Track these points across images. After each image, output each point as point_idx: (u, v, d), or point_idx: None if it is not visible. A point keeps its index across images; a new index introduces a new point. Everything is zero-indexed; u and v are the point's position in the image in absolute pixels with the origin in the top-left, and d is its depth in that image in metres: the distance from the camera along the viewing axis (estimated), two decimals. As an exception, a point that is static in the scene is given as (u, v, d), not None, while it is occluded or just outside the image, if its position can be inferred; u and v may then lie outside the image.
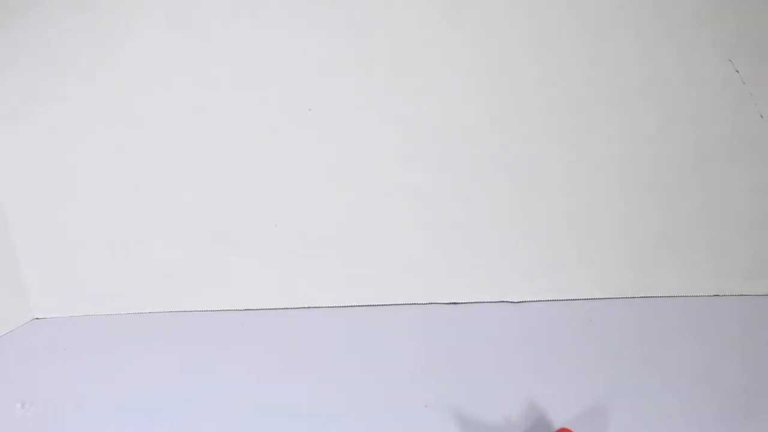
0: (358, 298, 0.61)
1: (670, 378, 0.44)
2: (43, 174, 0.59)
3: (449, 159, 0.56)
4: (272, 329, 0.57)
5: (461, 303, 0.61)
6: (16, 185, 0.60)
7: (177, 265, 0.61)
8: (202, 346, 0.55)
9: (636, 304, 0.58)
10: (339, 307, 0.62)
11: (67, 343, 0.58)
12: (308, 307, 0.62)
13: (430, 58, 0.53)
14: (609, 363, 0.46)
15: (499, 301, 0.61)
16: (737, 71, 0.51)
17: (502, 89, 0.53)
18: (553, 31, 0.51)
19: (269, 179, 0.58)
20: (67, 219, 0.61)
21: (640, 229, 0.57)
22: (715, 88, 0.52)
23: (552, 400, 0.43)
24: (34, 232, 0.61)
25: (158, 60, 0.55)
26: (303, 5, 0.52)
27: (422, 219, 0.58)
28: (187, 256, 0.61)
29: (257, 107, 0.55)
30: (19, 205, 0.60)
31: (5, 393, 0.48)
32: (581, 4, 0.50)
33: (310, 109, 0.55)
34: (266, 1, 0.52)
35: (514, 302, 0.60)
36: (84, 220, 0.61)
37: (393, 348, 0.51)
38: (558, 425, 0.39)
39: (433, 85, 0.53)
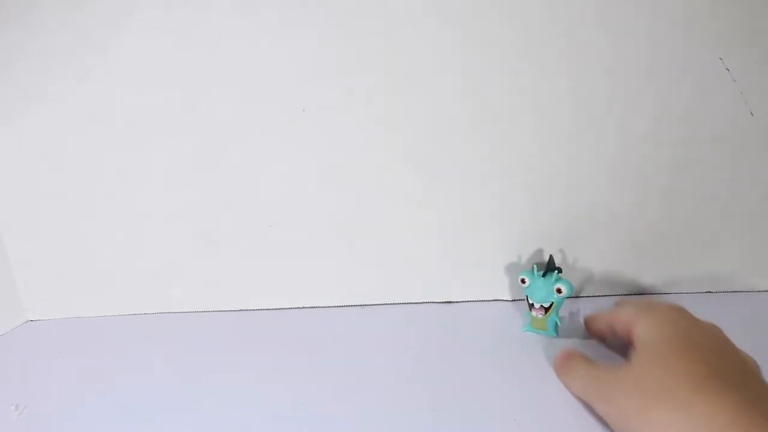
0: (351, 298, 0.61)
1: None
2: (35, 174, 0.59)
3: (442, 159, 0.56)
4: (267, 330, 0.56)
5: (456, 302, 0.61)
6: (8, 186, 0.60)
7: (171, 266, 0.61)
8: (197, 346, 0.54)
9: (629, 302, 0.58)
10: (333, 307, 0.62)
11: (61, 344, 0.57)
12: (302, 308, 0.62)
13: (423, 59, 0.53)
14: (603, 361, 0.46)
15: (494, 300, 0.61)
16: (727, 69, 0.51)
17: (494, 90, 0.53)
18: (544, 31, 0.51)
19: (263, 180, 0.57)
20: (60, 219, 0.60)
21: (633, 227, 0.57)
22: (705, 87, 0.52)
23: (548, 398, 0.42)
24: (26, 233, 0.61)
25: (150, 60, 0.54)
26: (294, 6, 0.52)
27: (416, 218, 0.58)
28: (182, 256, 0.61)
29: (250, 108, 0.55)
30: (11, 206, 0.60)
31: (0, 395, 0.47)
32: (572, 4, 0.50)
33: (303, 110, 0.55)
34: (258, 3, 0.52)
35: (508, 300, 0.61)
36: (76, 221, 0.60)
37: (387, 347, 0.51)
38: (556, 424, 0.39)
39: (426, 86, 0.53)
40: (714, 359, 0.32)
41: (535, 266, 0.51)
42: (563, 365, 0.42)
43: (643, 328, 0.36)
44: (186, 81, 0.55)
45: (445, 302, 0.61)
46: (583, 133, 0.54)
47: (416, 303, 0.61)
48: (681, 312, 0.38)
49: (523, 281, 0.51)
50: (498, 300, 0.60)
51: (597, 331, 0.46)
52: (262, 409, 0.43)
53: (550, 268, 0.52)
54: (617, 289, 0.59)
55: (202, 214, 0.59)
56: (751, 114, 0.53)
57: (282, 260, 0.60)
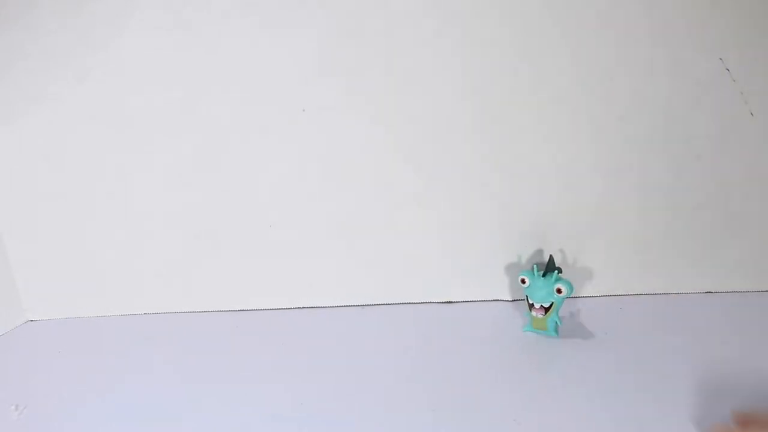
0: (351, 298, 0.61)
1: (664, 376, 0.43)
2: (35, 174, 0.58)
3: (442, 159, 0.55)
4: (266, 330, 0.56)
5: (456, 302, 0.60)
6: (8, 186, 0.59)
7: (171, 266, 0.61)
8: (197, 346, 0.54)
9: (629, 302, 0.57)
10: (333, 307, 0.61)
11: (61, 344, 0.57)
12: (302, 308, 0.62)
13: (423, 59, 0.52)
14: (603, 361, 0.46)
15: (494, 300, 0.60)
16: (728, 70, 0.51)
17: (493, 90, 0.52)
18: (544, 32, 0.50)
19: (263, 180, 0.57)
20: (60, 219, 0.60)
21: (633, 227, 0.56)
22: (706, 87, 0.51)
23: (548, 398, 0.42)
24: (26, 233, 0.61)
25: (150, 60, 0.54)
26: (294, 6, 0.51)
27: (416, 218, 0.57)
28: (182, 256, 0.60)
29: (250, 108, 0.54)
30: (11, 206, 0.60)
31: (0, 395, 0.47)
32: (572, 4, 0.50)
33: (303, 110, 0.54)
34: (258, 3, 0.51)
35: (508, 300, 0.60)
36: (76, 221, 0.60)
37: (387, 347, 0.51)
38: (556, 424, 0.38)
39: (425, 86, 0.53)
40: None
41: (535, 266, 0.51)
42: None
43: None
44: (186, 81, 0.54)
45: (445, 302, 0.60)
46: (583, 132, 0.53)
47: (416, 303, 0.60)
48: None
49: (523, 281, 0.51)
50: (498, 300, 0.60)
51: None
52: (262, 409, 0.43)
53: (550, 268, 0.52)
54: (617, 289, 0.59)
55: (202, 214, 0.58)
56: (751, 114, 0.52)
57: (282, 260, 0.60)
